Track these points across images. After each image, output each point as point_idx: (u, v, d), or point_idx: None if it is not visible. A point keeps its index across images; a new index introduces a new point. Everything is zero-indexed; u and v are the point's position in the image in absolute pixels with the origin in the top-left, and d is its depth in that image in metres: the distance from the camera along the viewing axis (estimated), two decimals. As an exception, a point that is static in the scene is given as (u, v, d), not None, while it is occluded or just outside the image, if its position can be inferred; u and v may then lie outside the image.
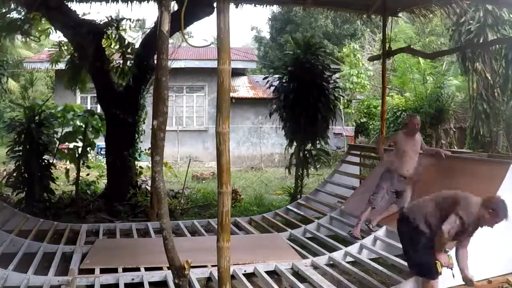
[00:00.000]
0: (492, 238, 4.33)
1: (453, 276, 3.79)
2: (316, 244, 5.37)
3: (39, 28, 8.17)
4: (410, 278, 4.08)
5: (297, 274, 4.53)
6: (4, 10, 7.96)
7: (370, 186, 5.97)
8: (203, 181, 11.14)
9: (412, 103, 14.02)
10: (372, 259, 4.80)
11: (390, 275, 4.26)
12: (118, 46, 7.96)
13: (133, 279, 4.32)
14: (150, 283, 4.23)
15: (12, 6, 7.79)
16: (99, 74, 7.62)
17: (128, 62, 7.90)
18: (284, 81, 8.05)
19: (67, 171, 8.23)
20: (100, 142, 8.84)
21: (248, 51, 19.43)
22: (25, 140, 7.09)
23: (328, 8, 8.71)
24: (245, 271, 4.52)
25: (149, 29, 8.00)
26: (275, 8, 24.18)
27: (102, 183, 8.48)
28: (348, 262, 4.77)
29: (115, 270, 4.48)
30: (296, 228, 6.14)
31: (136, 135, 8.32)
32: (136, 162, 8.37)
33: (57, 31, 8.01)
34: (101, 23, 7.68)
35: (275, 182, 11.58)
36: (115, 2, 7.81)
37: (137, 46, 7.99)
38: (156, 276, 4.37)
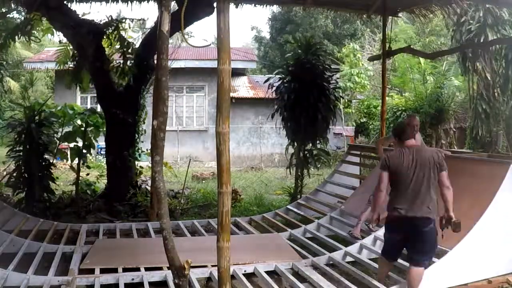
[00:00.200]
0: (492, 238, 4.34)
1: (442, 236, 3.92)
2: (316, 244, 5.37)
3: (42, 28, 8.18)
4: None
5: (297, 274, 4.53)
6: (4, 10, 7.96)
7: (370, 186, 5.96)
8: (203, 181, 11.14)
9: (412, 103, 14.02)
10: (372, 259, 4.79)
11: (390, 275, 4.26)
12: (118, 46, 7.96)
13: (133, 279, 4.31)
14: (150, 283, 4.23)
15: (12, 6, 7.80)
16: (99, 74, 7.62)
17: (128, 62, 7.90)
18: (285, 81, 8.05)
19: (71, 167, 8.21)
20: (100, 142, 8.83)
21: (248, 51, 19.42)
22: (25, 140, 7.09)
23: (328, 8, 8.72)
24: (245, 271, 4.52)
25: (149, 29, 8.00)
26: (275, 8, 24.18)
27: (102, 183, 8.48)
28: (348, 262, 4.77)
29: (115, 270, 4.48)
30: (296, 228, 6.14)
31: (136, 135, 8.32)
32: (136, 162, 8.37)
33: (57, 31, 8.02)
34: (101, 23, 7.68)
35: (275, 182, 11.58)
36: (115, 2, 7.82)
37: (137, 46, 7.99)
38: (156, 276, 4.37)
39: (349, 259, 4.90)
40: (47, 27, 8.26)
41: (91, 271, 4.46)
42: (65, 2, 7.36)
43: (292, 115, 7.83)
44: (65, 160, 8.83)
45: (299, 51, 8.22)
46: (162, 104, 3.57)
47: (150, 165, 4.79)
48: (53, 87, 19.79)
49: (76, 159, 7.93)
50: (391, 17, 8.60)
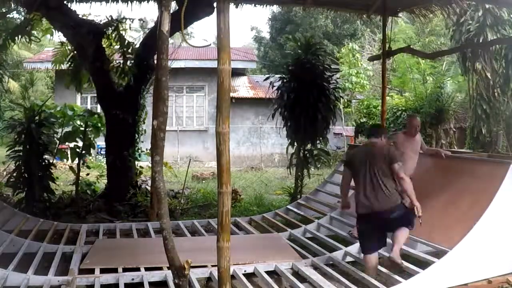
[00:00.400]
0: (492, 238, 4.34)
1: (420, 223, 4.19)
2: (316, 244, 5.37)
3: (42, 28, 8.19)
4: (411, 278, 4.09)
5: (297, 274, 4.53)
6: (4, 10, 7.96)
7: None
8: (203, 181, 11.14)
9: (412, 103, 14.04)
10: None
11: (390, 275, 4.26)
12: (118, 46, 7.97)
13: (133, 279, 4.31)
14: (150, 283, 4.23)
15: (12, 6, 7.80)
16: (99, 74, 7.63)
17: (128, 62, 7.90)
18: (285, 81, 8.05)
19: (71, 167, 8.21)
20: (100, 142, 8.84)
21: (248, 51, 19.43)
22: (25, 140, 7.08)
23: (328, 8, 8.70)
24: (245, 271, 4.52)
25: (149, 29, 8.00)
26: (275, 8, 24.20)
27: (102, 183, 8.48)
28: (348, 262, 4.77)
29: (115, 270, 4.47)
30: (296, 228, 6.14)
31: (136, 135, 8.32)
32: (136, 162, 8.38)
33: (57, 31, 8.02)
34: (101, 23, 7.68)
35: (275, 182, 11.58)
36: (115, 2, 7.81)
37: (137, 46, 8.00)
38: (156, 276, 4.37)
39: (349, 259, 4.90)
40: (47, 27, 8.25)
41: (91, 271, 4.46)
42: (65, 2, 7.35)
43: (292, 115, 7.84)
44: (65, 160, 8.82)
45: (299, 51, 8.22)
46: (162, 104, 3.57)
47: (150, 165, 4.80)
48: (53, 87, 19.80)
49: (76, 159, 7.93)
50: (391, 17, 8.58)
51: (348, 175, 4.49)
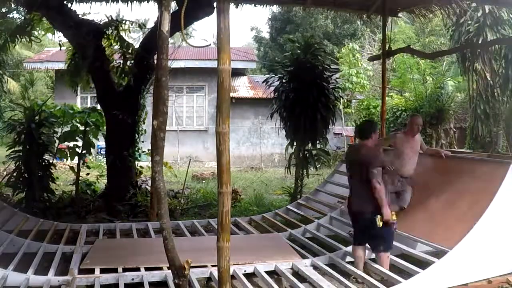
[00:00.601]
0: (492, 238, 4.34)
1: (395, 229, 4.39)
2: (316, 244, 5.37)
3: (43, 28, 8.19)
4: (411, 278, 4.09)
5: (297, 274, 4.53)
6: (4, 10, 7.97)
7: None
8: (203, 181, 11.14)
9: (412, 103, 14.03)
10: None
11: (390, 275, 4.26)
12: (118, 46, 7.97)
13: (133, 279, 4.31)
14: (150, 283, 4.23)
15: (12, 6, 7.80)
16: (99, 74, 7.63)
17: (128, 62, 7.91)
18: (284, 81, 8.05)
19: (71, 167, 8.21)
20: (100, 142, 8.83)
21: (248, 51, 19.43)
22: (25, 140, 7.09)
23: (328, 8, 8.71)
24: (245, 271, 4.51)
25: (149, 29, 8.00)
26: (275, 8, 24.21)
27: (102, 183, 8.48)
28: (348, 262, 4.76)
29: (115, 270, 4.47)
30: (296, 228, 6.14)
31: (136, 135, 8.32)
32: (136, 162, 8.38)
33: (57, 31, 8.02)
34: (101, 23, 7.68)
35: (275, 182, 11.58)
36: (115, 2, 7.81)
37: (137, 46, 8.00)
38: (156, 276, 4.36)
39: (349, 259, 4.89)
40: (48, 27, 8.26)
41: (91, 271, 4.46)
42: (65, 2, 7.36)
43: (292, 115, 7.83)
44: (65, 160, 8.83)
45: (298, 51, 8.22)
46: (162, 104, 3.57)
47: (150, 165, 4.80)
48: (53, 87, 19.80)
49: (76, 159, 7.93)
50: (391, 17, 8.59)
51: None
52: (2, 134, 17.98)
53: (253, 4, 8.15)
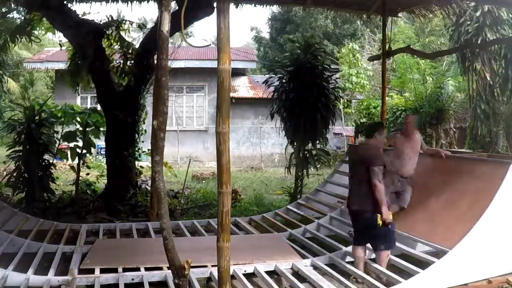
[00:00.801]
0: (492, 238, 4.34)
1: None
2: (316, 244, 5.37)
3: (43, 28, 8.19)
4: (411, 278, 4.09)
5: (297, 274, 4.53)
6: (4, 10, 7.97)
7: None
8: (203, 181, 11.14)
9: (412, 103, 14.03)
10: (372, 259, 4.79)
11: (390, 275, 4.26)
12: (118, 46, 7.97)
13: (133, 279, 4.31)
14: (150, 283, 4.23)
15: (12, 6, 7.80)
16: (99, 74, 7.63)
17: (128, 62, 7.91)
18: (284, 81, 8.05)
19: (72, 167, 8.22)
20: (100, 142, 8.83)
21: (248, 51, 19.43)
22: (25, 140, 7.09)
23: (328, 8, 8.71)
24: (245, 271, 4.52)
25: (149, 29, 8.01)
26: (275, 8, 24.21)
27: (102, 183, 8.48)
28: (348, 262, 4.77)
29: (115, 270, 4.47)
30: (296, 228, 6.14)
31: (136, 135, 8.31)
32: (136, 162, 8.37)
33: (57, 31, 8.02)
34: (101, 23, 7.68)
35: (275, 182, 11.58)
36: (115, 2, 7.81)
37: (137, 46, 8.00)
38: (156, 276, 4.37)
39: (349, 259, 4.89)
40: (48, 26, 8.26)
41: (91, 271, 4.46)
42: (65, 2, 7.36)
43: (292, 115, 7.83)
44: (65, 160, 8.83)
45: (298, 51, 8.22)
46: (162, 104, 3.57)
47: (150, 165, 4.81)
48: (53, 87, 19.80)
49: (76, 159, 7.93)
50: (391, 17, 8.59)
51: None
52: (2, 134, 17.98)
53: (253, 4, 8.15)
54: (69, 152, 7.94)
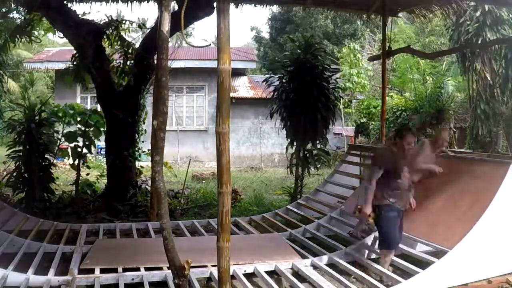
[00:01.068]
0: (492, 238, 4.34)
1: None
2: (316, 244, 5.37)
3: (43, 27, 8.19)
4: (411, 278, 4.09)
5: (297, 274, 4.53)
6: (4, 10, 7.97)
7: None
8: (203, 181, 11.14)
9: (412, 103, 14.04)
10: (372, 259, 4.80)
11: (390, 275, 4.26)
12: (118, 46, 7.97)
13: (133, 279, 4.31)
14: (150, 283, 4.23)
15: (12, 6, 7.80)
16: (99, 74, 7.63)
17: (128, 62, 7.91)
18: (284, 81, 8.06)
19: (72, 165, 8.20)
20: (100, 142, 8.83)
21: (248, 51, 19.43)
22: (25, 140, 7.08)
23: (328, 8, 8.71)
24: (245, 271, 4.51)
25: (149, 29, 8.01)
26: (275, 8, 24.22)
27: (102, 183, 8.48)
28: (348, 262, 4.77)
29: (115, 270, 4.47)
30: (296, 228, 6.14)
31: (136, 135, 8.31)
32: (136, 162, 8.37)
33: (57, 31, 8.02)
34: (101, 23, 7.68)
35: (275, 182, 11.58)
36: (115, 2, 7.81)
37: (137, 46, 7.99)
38: (156, 276, 4.36)
39: (349, 259, 4.89)
40: (48, 26, 8.26)
41: (91, 271, 4.46)
42: (65, 2, 7.36)
43: (292, 115, 7.83)
44: (65, 160, 8.82)
45: (298, 51, 8.22)
46: (162, 104, 3.57)
47: (150, 165, 4.81)
48: (53, 87, 19.80)
49: (76, 159, 7.92)
50: (391, 17, 8.59)
51: None
52: (2, 134, 17.98)
53: (253, 4, 8.15)
54: (70, 152, 7.93)
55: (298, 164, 8.14)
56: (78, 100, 15.75)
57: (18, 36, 8.11)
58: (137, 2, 7.84)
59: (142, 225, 6.41)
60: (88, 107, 14.44)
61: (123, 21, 8.07)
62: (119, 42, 7.93)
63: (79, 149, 7.77)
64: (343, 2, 7.74)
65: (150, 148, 3.99)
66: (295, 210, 7.13)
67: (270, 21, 27.43)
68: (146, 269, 4.51)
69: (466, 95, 12.38)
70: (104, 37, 7.77)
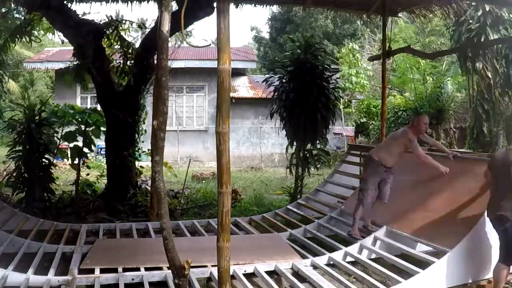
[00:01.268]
0: (492, 238, 4.34)
1: None
2: (316, 244, 5.37)
3: (43, 27, 8.19)
4: (411, 278, 4.09)
5: (297, 274, 4.53)
6: (4, 10, 7.97)
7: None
8: (203, 181, 11.14)
9: (412, 103, 14.04)
10: (372, 259, 4.79)
11: (390, 275, 4.26)
12: (118, 46, 7.97)
13: (133, 279, 4.31)
14: (150, 283, 4.23)
15: (12, 6, 7.80)
16: (99, 74, 7.63)
17: (128, 62, 7.91)
18: (284, 81, 8.06)
19: (72, 165, 8.20)
20: (100, 142, 8.83)
21: (248, 51, 19.44)
22: (25, 140, 7.08)
23: (328, 8, 8.72)
24: (245, 271, 4.51)
25: (149, 29, 8.01)
26: (275, 8, 24.23)
27: (102, 183, 8.48)
28: (348, 262, 4.77)
29: (115, 270, 4.47)
30: (296, 228, 6.14)
31: (136, 135, 8.30)
32: (136, 162, 8.37)
33: (58, 31, 8.03)
34: (101, 23, 7.68)
35: (275, 182, 11.58)
36: (115, 2, 7.82)
37: (137, 46, 7.99)
38: (156, 276, 4.36)
39: (349, 259, 4.90)
40: (48, 26, 8.26)
41: (91, 271, 4.46)
42: (65, 2, 7.36)
43: (292, 115, 7.83)
44: (65, 160, 8.82)
45: (298, 51, 8.22)
46: (162, 104, 3.57)
47: (150, 165, 4.81)
48: (53, 87, 19.80)
49: (76, 158, 7.92)
50: (391, 17, 8.59)
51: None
52: (2, 134, 17.98)
53: (253, 4, 8.15)
54: (69, 152, 7.93)
55: (298, 164, 8.14)
56: (78, 100, 15.75)
57: (18, 36, 8.10)
58: (137, 2, 7.85)
59: (142, 225, 6.41)
60: (88, 107, 14.44)
61: (123, 21, 8.07)
62: (119, 42, 7.93)
63: (78, 149, 7.78)
64: (343, 2, 7.75)
65: (150, 148, 3.99)
66: (295, 210, 7.13)
67: (270, 21, 27.45)
68: (146, 269, 4.50)
69: (466, 95, 12.38)
70: (104, 37, 7.77)
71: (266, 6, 8.57)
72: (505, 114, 10.65)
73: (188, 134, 16.56)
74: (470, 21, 10.11)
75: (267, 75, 8.77)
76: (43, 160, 7.28)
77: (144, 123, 8.84)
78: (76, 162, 7.83)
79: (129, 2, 7.78)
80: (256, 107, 16.39)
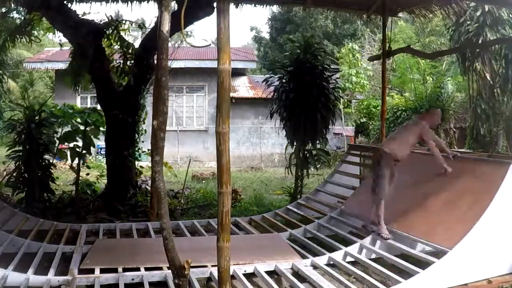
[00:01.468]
0: (492, 238, 4.34)
1: None
2: (316, 244, 5.37)
3: (43, 27, 8.19)
4: (411, 278, 4.09)
5: (297, 274, 4.53)
6: (4, 10, 7.97)
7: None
8: (203, 181, 11.14)
9: (412, 103, 14.04)
10: (372, 259, 4.79)
11: (390, 275, 4.26)
12: (118, 46, 7.97)
13: (133, 279, 4.31)
14: (150, 283, 4.23)
15: (12, 6, 7.80)
16: (99, 74, 7.63)
17: (128, 62, 7.91)
18: (284, 81, 8.06)
19: (71, 166, 8.21)
20: (100, 142, 8.83)
21: (248, 51, 19.44)
22: (25, 140, 7.08)
23: (328, 8, 8.73)
24: (245, 271, 4.51)
25: (149, 29, 8.01)
26: (275, 8, 24.24)
27: (102, 183, 8.47)
28: (348, 262, 4.77)
29: (115, 270, 4.47)
30: (296, 228, 6.14)
31: (136, 135, 8.30)
32: (136, 162, 8.36)
33: (57, 31, 8.03)
34: (101, 23, 7.68)
35: (275, 182, 11.58)
36: (115, 2, 7.82)
37: (137, 46, 7.99)
38: (156, 276, 4.36)
39: (349, 259, 4.90)
40: (48, 26, 8.26)
41: (91, 271, 4.46)
42: (65, 2, 7.36)
43: (292, 115, 7.83)
44: (65, 160, 8.82)
45: (298, 51, 8.22)
46: (162, 104, 3.57)
47: (150, 165, 4.82)
48: (53, 87, 19.80)
49: (76, 159, 7.92)
50: (391, 17, 8.59)
51: None
52: (2, 134, 17.97)
53: (253, 4, 8.15)
54: (68, 152, 7.93)
55: (298, 164, 8.14)
56: (78, 100, 15.74)
57: (18, 36, 8.10)
58: (137, 2, 7.85)
59: (142, 225, 6.41)
60: (88, 107, 14.42)
61: (123, 21, 8.08)
62: (119, 42, 7.93)
63: (78, 149, 7.77)
64: (343, 2, 7.75)
65: (150, 148, 3.99)
66: (295, 210, 7.13)
67: (270, 21, 27.46)
68: (146, 269, 4.50)
69: (466, 95, 12.38)
70: (104, 37, 7.77)
71: (266, 6, 8.57)
72: (505, 114, 10.64)
73: (188, 134, 16.56)
74: (468, 22, 10.10)
75: (267, 75, 8.77)
76: (43, 160, 7.28)
77: (144, 123, 8.84)
78: (75, 162, 7.82)
79: (129, 2, 7.78)
80: (256, 107, 16.40)
